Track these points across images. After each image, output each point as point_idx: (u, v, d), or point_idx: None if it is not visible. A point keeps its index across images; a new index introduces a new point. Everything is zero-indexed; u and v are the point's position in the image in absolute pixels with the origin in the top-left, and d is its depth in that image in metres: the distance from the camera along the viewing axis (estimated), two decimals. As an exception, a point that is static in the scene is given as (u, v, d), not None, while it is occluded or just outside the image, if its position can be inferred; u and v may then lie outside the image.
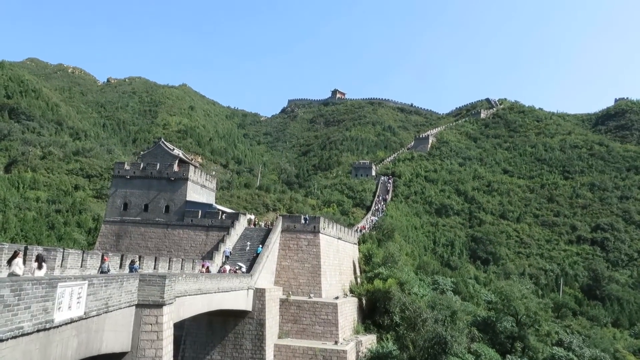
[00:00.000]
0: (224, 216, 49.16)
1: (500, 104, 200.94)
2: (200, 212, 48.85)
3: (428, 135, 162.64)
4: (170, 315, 21.18)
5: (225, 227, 47.12)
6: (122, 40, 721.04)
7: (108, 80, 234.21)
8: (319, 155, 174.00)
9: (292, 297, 42.98)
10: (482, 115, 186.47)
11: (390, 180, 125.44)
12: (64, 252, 20.58)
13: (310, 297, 43.44)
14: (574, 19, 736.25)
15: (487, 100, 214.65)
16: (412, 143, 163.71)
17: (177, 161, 53.18)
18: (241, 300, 35.68)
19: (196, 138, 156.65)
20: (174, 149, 59.18)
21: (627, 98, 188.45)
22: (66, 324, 14.01)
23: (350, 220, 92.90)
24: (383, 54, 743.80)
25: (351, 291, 51.75)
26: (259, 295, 38.13)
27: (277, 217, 53.79)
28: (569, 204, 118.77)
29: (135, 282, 19.39)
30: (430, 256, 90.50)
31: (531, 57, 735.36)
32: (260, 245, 44.28)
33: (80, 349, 15.20)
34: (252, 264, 41.53)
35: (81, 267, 21.57)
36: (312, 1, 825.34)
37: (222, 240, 45.37)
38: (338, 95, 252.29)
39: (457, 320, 47.12)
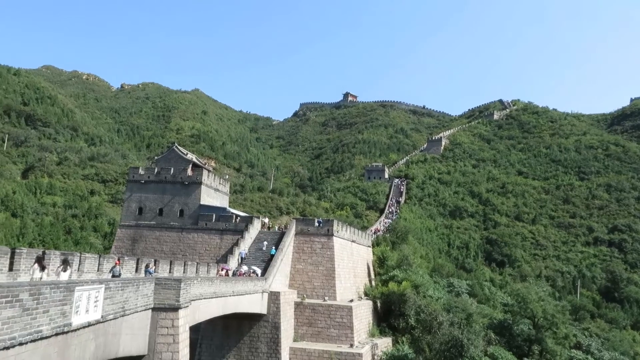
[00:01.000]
0: (237, 220, 49.11)
1: (514, 105, 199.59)
2: (214, 215, 48.96)
3: (441, 137, 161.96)
4: (186, 319, 21.25)
5: (240, 231, 47.17)
6: (135, 47, 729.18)
7: (122, 87, 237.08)
8: (331, 158, 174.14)
9: (307, 300, 42.91)
10: (495, 117, 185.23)
11: (403, 183, 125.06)
12: (80, 256, 20.82)
13: (324, 300, 43.31)
14: (588, 19, 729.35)
15: (500, 101, 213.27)
16: (425, 145, 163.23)
17: (190, 165, 53.45)
18: (256, 304, 35.69)
19: (209, 142, 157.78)
20: (187, 154, 59.57)
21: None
22: (84, 327, 14.09)
23: (363, 223, 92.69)
24: (394, 56, 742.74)
25: (365, 294, 51.53)
26: (274, 298, 38.08)
27: (290, 220, 53.77)
28: (585, 205, 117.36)
29: (151, 286, 19.48)
30: (445, 259, 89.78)
31: (545, 58, 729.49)
32: (274, 247, 44.30)
33: (97, 352, 15.28)
34: (266, 266, 41.55)
35: (98, 271, 21.80)
36: (323, 5, 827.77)
37: (236, 244, 45.42)
38: (350, 98, 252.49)
39: (473, 323, 46.65)
